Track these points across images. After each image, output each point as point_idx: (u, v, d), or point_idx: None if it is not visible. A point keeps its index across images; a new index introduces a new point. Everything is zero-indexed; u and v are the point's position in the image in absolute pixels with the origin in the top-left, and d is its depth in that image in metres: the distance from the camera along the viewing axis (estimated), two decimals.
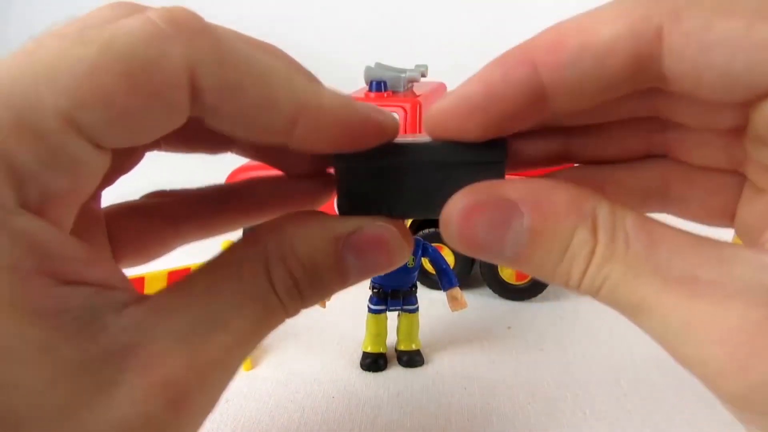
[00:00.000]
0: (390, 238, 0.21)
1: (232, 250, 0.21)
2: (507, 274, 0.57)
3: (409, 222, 0.55)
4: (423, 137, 0.21)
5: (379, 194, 0.21)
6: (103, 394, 0.17)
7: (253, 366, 0.47)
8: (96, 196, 0.25)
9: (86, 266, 0.18)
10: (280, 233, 0.21)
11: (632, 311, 0.18)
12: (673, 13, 0.17)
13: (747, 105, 0.18)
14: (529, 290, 0.57)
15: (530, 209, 0.18)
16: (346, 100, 0.20)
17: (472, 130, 0.20)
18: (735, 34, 0.16)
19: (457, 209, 0.19)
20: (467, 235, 0.19)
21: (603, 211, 0.18)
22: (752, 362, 0.16)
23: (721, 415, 0.41)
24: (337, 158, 0.21)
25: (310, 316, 0.53)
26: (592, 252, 0.18)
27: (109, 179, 0.24)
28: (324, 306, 0.45)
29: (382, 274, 0.23)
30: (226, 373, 0.20)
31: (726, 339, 0.16)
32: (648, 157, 0.24)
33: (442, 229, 0.20)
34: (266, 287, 0.20)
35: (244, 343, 0.20)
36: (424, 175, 0.21)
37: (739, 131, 0.20)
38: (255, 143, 0.23)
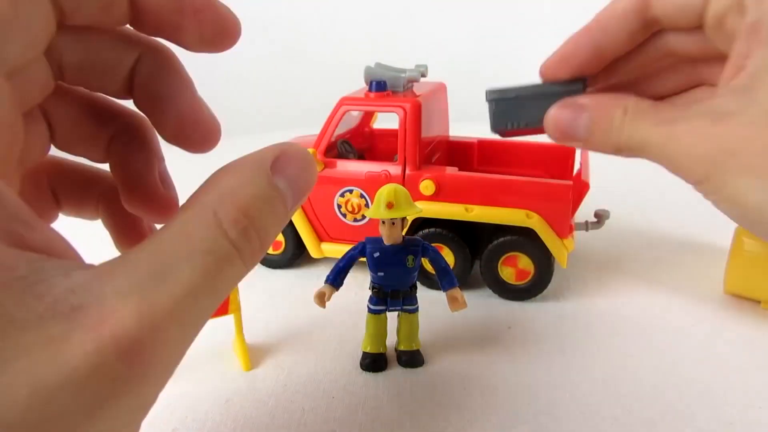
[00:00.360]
0: (301, 153, 0.25)
1: (177, 215, 0.22)
2: (507, 274, 0.57)
3: (405, 221, 0.55)
4: (536, 81, 0.35)
5: (512, 114, 0.35)
6: (51, 349, 0.17)
7: (253, 366, 0.47)
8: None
9: (31, 231, 0.19)
10: (217, 185, 0.22)
11: (644, 149, 0.29)
12: None
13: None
14: (529, 290, 0.57)
15: (591, 107, 0.31)
16: None
17: (565, 74, 0.33)
18: None
19: (553, 110, 0.32)
20: (558, 126, 0.32)
21: (631, 101, 0.30)
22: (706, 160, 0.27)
23: (721, 414, 0.41)
24: (490, 94, 0.35)
25: (310, 316, 0.53)
26: (624, 123, 0.30)
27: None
28: (324, 306, 0.46)
29: (308, 190, 0.25)
30: (183, 326, 0.20)
31: (688, 148, 0.28)
32: (695, 87, 0.34)
33: (546, 126, 0.33)
34: (214, 235, 0.21)
35: (197, 294, 0.20)
36: (537, 101, 0.34)
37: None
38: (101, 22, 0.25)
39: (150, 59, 0.27)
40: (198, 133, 0.28)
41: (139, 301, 0.18)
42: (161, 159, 0.30)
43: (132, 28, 0.26)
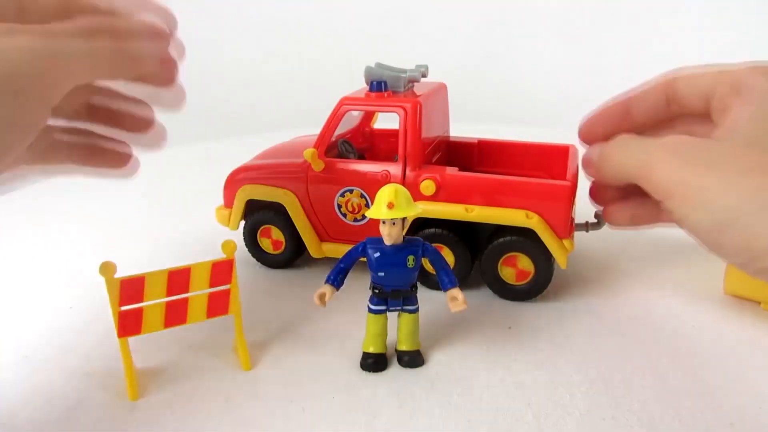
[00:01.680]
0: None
1: None
2: (507, 274, 0.57)
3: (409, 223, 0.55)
4: None
5: None
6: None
7: (253, 366, 0.47)
8: None
9: None
10: None
11: (629, 173, 0.37)
12: None
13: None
14: (529, 291, 0.57)
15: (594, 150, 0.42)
16: None
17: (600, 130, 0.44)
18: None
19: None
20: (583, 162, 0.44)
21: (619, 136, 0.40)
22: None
23: (721, 415, 0.41)
24: None
25: (310, 315, 0.53)
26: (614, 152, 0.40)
27: None
28: (324, 306, 0.46)
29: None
30: None
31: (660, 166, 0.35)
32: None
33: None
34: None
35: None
36: None
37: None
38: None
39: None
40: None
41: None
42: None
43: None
